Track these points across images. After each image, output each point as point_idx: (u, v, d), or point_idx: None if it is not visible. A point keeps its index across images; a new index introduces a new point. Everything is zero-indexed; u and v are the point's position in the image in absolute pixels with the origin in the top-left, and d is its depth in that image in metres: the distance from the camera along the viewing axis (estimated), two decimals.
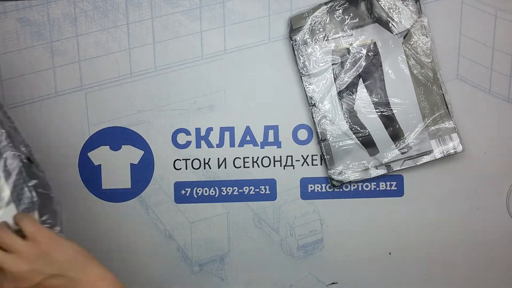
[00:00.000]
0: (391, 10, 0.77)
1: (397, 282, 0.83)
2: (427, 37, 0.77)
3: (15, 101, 0.82)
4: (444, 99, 0.78)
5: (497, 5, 0.78)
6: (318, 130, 0.79)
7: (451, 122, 0.78)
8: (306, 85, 0.79)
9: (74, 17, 0.80)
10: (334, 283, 0.83)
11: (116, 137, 0.82)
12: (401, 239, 0.82)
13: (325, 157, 0.80)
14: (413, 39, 0.77)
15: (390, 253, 0.83)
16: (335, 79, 0.79)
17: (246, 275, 0.84)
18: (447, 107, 0.78)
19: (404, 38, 0.77)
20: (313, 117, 0.79)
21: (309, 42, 0.79)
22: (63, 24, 0.80)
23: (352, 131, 0.79)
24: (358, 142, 0.79)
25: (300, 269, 0.83)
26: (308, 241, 0.83)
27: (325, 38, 0.79)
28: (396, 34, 0.77)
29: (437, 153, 0.78)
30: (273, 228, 0.83)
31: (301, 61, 0.79)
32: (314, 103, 0.79)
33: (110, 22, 0.80)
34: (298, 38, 0.79)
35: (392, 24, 0.77)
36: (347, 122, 0.79)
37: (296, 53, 0.79)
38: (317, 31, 0.79)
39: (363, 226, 0.83)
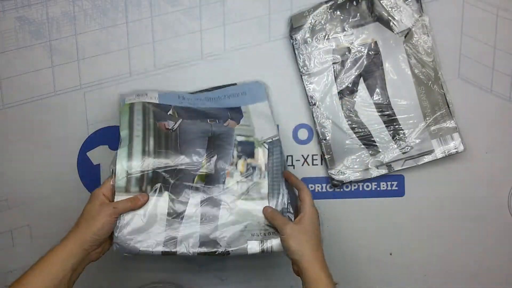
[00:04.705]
0: (392, 9, 0.76)
1: (398, 282, 0.83)
2: (428, 36, 0.77)
3: (14, 100, 0.81)
4: (446, 99, 0.77)
5: (499, 4, 0.78)
6: (319, 130, 0.79)
7: (452, 121, 0.78)
8: (306, 84, 0.79)
9: (73, 15, 0.80)
10: (334, 284, 0.83)
11: (115, 136, 0.81)
12: (402, 239, 0.82)
13: (326, 156, 0.79)
14: (414, 38, 0.77)
15: (391, 254, 0.83)
16: (335, 78, 0.79)
17: (246, 275, 0.84)
18: (448, 107, 0.78)
19: (405, 37, 0.77)
20: (313, 117, 0.79)
21: (310, 41, 0.78)
22: (62, 23, 0.80)
23: (352, 130, 0.79)
24: (359, 141, 0.79)
25: None
26: None
27: (326, 37, 0.78)
28: (397, 33, 0.77)
29: (438, 153, 0.78)
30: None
31: (302, 60, 0.78)
32: (315, 103, 0.79)
33: (109, 21, 0.80)
34: (298, 37, 0.78)
35: (393, 23, 0.77)
36: (347, 122, 0.79)
37: (296, 52, 0.78)
38: (318, 30, 0.78)
39: (364, 226, 0.82)
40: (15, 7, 0.79)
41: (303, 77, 0.79)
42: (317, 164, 0.81)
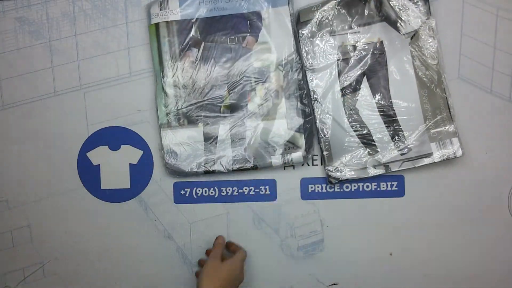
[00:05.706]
0: (400, 10, 0.76)
1: (398, 282, 0.83)
2: (434, 39, 0.76)
3: (14, 101, 0.81)
4: (447, 102, 0.77)
5: (499, 4, 0.77)
6: (319, 126, 0.79)
7: (452, 126, 0.77)
8: (309, 80, 0.78)
9: (73, 16, 0.79)
10: (334, 284, 0.83)
11: (115, 137, 0.82)
12: (402, 239, 0.82)
13: (324, 153, 0.79)
14: (420, 40, 0.77)
15: (391, 254, 0.83)
16: (339, 75, 0.78)
17: (246, 276, 0.84)
18: (450, 111, 0.77)
19: (411, 38, 0.77)
20: (314, 112, 0.79)
21: (316, 36, 0.78)
22: (62, 23, 0.80)
23: (352, 128, 0.79)
24: (358, 140, 0.79)
25: (300, 270, 0.83)
26: (308, 241, 0.82)
27: (332, 33, 0.78)
28: (404, 34, 0.76)
29: (437, 157, 0.78)
30: (273, 229, 0.83)
31: (306, 55, 0.78)
32: (316, 98, 0.79)
33: (109, 21, 0.80)
34: (305, 32, 0.78)
35: (400, 24, 0.76)
36: (348, 119, 0.79)
37: (302, 46, 0.78)
38: (324, 26, 0.78)
39: (364, 227, 0.82)
40: (15, 8, 0.79)
41: (306, 72, 0.79)
42: (317, 165, 0.81)
